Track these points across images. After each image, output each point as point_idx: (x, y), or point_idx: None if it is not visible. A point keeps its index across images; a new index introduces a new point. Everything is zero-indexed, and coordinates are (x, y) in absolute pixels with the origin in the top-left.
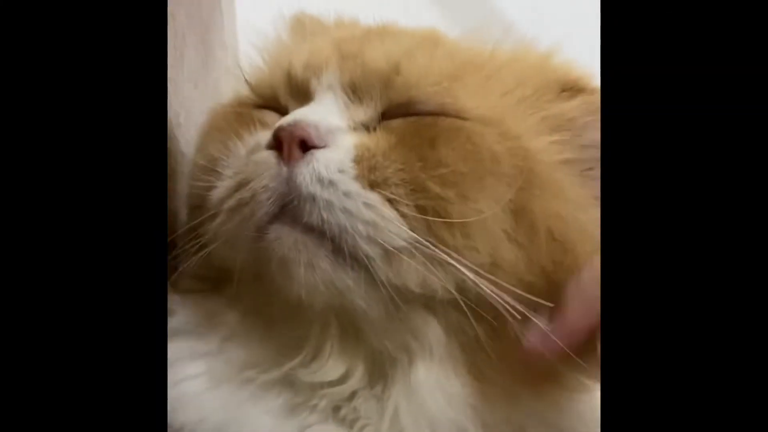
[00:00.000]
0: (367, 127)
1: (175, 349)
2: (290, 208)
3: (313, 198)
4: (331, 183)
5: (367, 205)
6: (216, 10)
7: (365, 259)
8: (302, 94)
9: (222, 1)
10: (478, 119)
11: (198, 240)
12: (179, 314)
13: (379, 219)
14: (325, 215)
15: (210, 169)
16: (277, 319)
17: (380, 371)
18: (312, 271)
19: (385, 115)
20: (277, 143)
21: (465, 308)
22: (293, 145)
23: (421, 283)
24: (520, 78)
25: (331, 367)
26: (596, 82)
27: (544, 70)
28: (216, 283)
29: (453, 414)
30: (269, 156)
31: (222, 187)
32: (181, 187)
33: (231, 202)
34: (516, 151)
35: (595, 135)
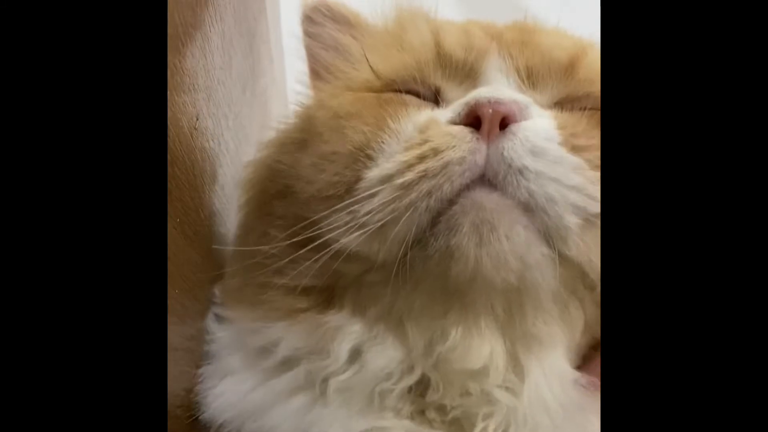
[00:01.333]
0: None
1: (289, 379)
2: (490, 182)
3: (522, 171)
4: (543, 151)
5: (575, 169)
6: (262, 21)
7: (564, 231)
8: (465, 76)
9: (268, 12)
10: None
11: (326, 237)
12: (288, 340)
13: (587, 182)
14: (534, 187)
15: (356, 154)
16: (414, 315)
17: (516, 361)
18: (507, 242)
19: (560, 104)
20: (474, 120)
21: None
22: (496, 121)
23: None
24: None
25: (476, 355)
26: None
27: None
28: (328, 295)
29: (573, 396)
30: (462, 130)
31: (389, 164)
32: (229, 189)
33: (408, 176)
34: None
35: None
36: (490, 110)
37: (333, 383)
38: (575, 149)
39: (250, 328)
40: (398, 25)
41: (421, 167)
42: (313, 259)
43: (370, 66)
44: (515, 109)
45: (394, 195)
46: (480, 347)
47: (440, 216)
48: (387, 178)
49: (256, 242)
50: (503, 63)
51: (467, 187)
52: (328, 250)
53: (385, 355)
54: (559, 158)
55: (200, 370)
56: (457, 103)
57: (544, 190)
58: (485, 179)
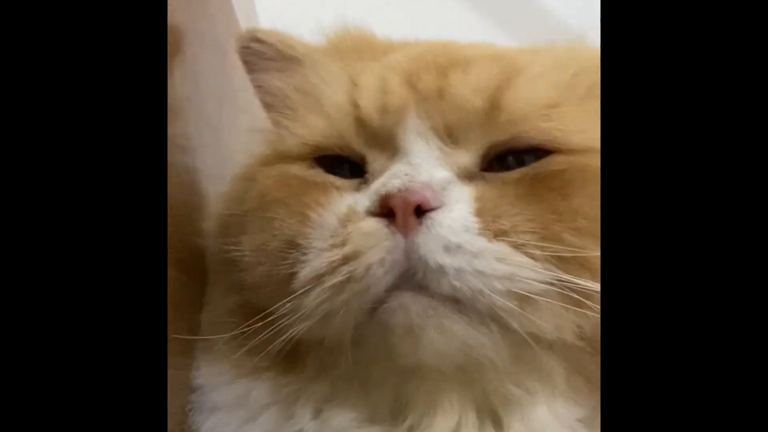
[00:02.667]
0: (472, 173)
1: (264, 425)
2: (413, 278)
3: (441, 269)
4: (459, 246)
5: (499, 259)
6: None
7: (501, 314)
8: (385, 143)
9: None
10: (589, 149)
11: (278, 324)
12: (257, 395)
13: (515, 269)
14: (456, 284)
15: (285, 249)
16: (375, 383)
17: (493, 416)
18: (443, 335)
19: (488, 155)
20: (388, 211)
21: (591, 344)
22: (408, 213)
23: (556, 326)
24: (595, 82)
25: (442, 421)
26: None
27: (593, 62)
28: (293, 356)
29: None
30: (378, 225)
31: (317, 263)
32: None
33: (337, 278)
34: None
35: None
36: (401, 201)
37: None
38: (498, 234)
39: (221, 379)
40: (317, 75)
41: (347, 269)
42: (269, 335)
43: (292, 134)
44: (428, 196)
45: (327, 295)
46: (445, 416)
47: (376, 309)
48: (318, 278)
49: (221, 296)
50: (421, 124)
51: (394, 286)
52: (281, 332)
53: (346, 416)
54: (478, 251)
55: (191, 397)
56: (373, 190)
57: (468, 285)
58: (410, 275)
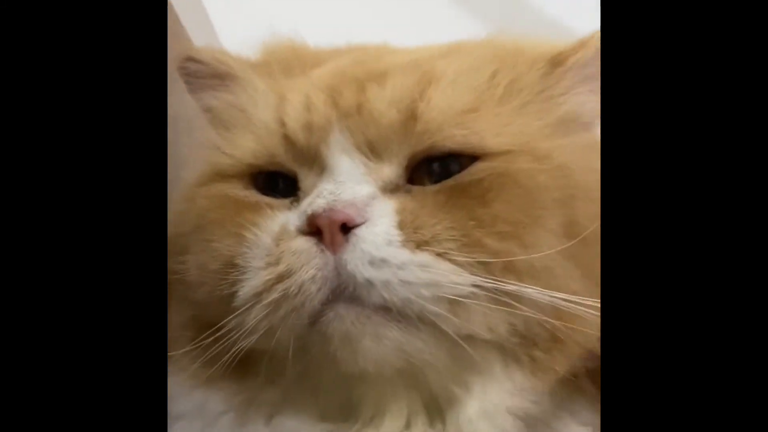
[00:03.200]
0: (396, 185)
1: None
2: (345, 292)
3: (369, 282)
4: (383, 260)
5: (422, 268)
6: None
7: (433, 318)
8: (313, 161)
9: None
10: (508, 152)
11: (226, 338)
12: (213, 403)
13: (438, 276)
14: (386, 295)
15: (225, 269)
16: (324, 389)
17: (438, 410)
18: (379, 343)
19: (411, 165)
20: (316, 230)
21: (521, 338)
22: (334, 231)
23: (488, 326)
24: (515, 78)
25: (392, 422)
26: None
27: (526, 58)
28: (245, 366)
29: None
30: (308, 244)
31: (255, 282)
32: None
33: (273, 296)
34: (556, 172)
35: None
36: (327, 220)
37: None
38: (420, 244)
39: (180, 389)
40: (246, 93)
41: (282, 287)
42: (219, 349)
43: (225, 153)
44: (352, 213)
45: (266, 312)
46: (393, 417)
47: (315, 321)
48: (256, 296)
49: (176, 311)
50: (344, 141)
51: (329, 299)
52: (230, 346)
53: (297, 420)
54: (402, 263)
55: None
56: (302, 209)
57: (397, 295)
58: (342, 289)
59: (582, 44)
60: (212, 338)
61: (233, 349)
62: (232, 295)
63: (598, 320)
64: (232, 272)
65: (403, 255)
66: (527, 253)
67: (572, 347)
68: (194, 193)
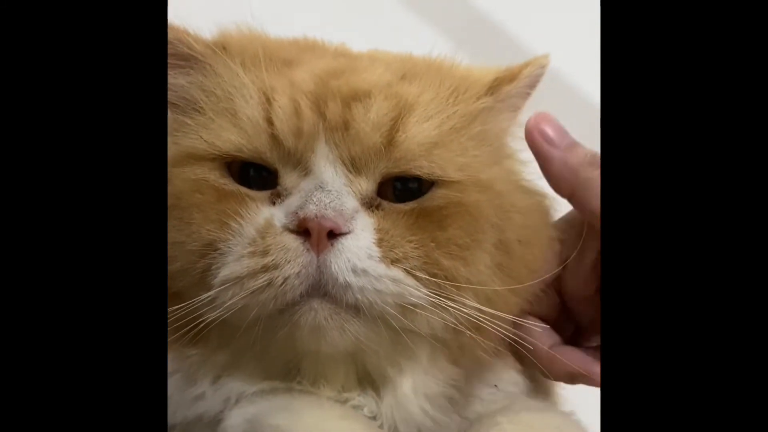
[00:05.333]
0: (371, 201)
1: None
2: (322, 288)
3: (348, 285)
4: (364, 271)
5: (394, 282)
6: None
7: (388, 317)
8: (297, 163)
9: None
10: (460, 181)
11: (191, 310)
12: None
13: (403, 289)
14: (359, 297)
15: (203, 249)
16: (271, 357)
17: (371, 383)
18: (343, 334)
19: (383, 183)
20: (304, 230)
21: (452, 330)
22: (322, 236)
23: (428, 325)
24: (466, 109)
25: (328, 387)
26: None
27: (474, 87)
28: (199, 333)
29: (435, 411)
30: (296, 242)
31: (237, 267)
32: None
33: (258, 283)
34: (494, 200)
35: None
36: (317, 225)
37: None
38: (394, 261)
39: None
40: (227, 82)
41: (266, 277)
42: (181, 316)
43: (204, 139)
44: (340, 223)
45: (246, 294)
46: (330, 382)
47: (286, 309)
48: (237, 279)
49: None
50: (330, 152)
51: (306, 293)
52: (195, 319)
53: (242, 380)
54: (379, 276)
55: None
56: (289, 210)
57: (367, 299)
58: (320, 285)
59: (512, 74)
60: (176, 308)
61: (197, 322)
62: (206, 273)
63: (514, 309)
64: (211, 254)
65: (381, 269)
66: (469, 271)
67: (492, 333)
68: (169, 173)
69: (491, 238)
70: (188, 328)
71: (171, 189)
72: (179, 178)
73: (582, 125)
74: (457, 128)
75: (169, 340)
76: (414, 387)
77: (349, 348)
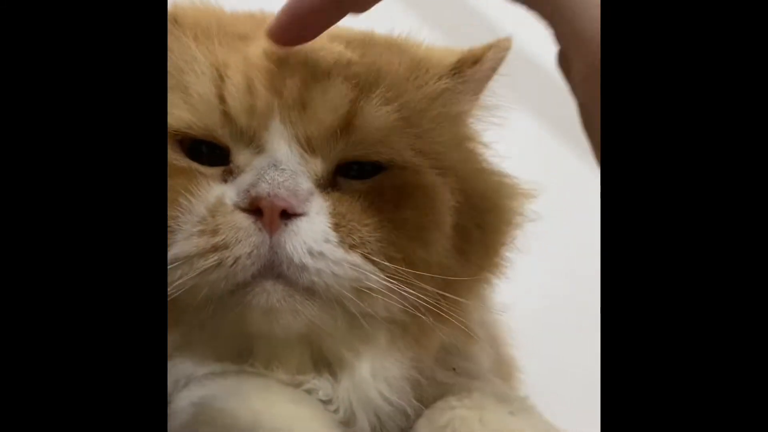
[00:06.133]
0: (326, 183)
1: None
2: (275, 269)
3: (304, 266)
4: (321, 254)
5: (352, 266)
6: None
7: (344, 301)
8: (250, 140)
9: None
10: (420, 165)
11: None
12: None
13: (362, 274)
14: (315, 279)
15: None
16: (223, 338)
17: (328, 368)
18: (297, 317)
19: (338, 164)
20: (257, 209)
21: (410, 314)
22: (275, 215)
23: (386, 308)
24: (428, 90)
25: (282, 369)
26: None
27: (435, 68)
28: None
29: (393, 395)
30: (247, 222)
31: (186, 245)
32: None
33: (208, 262)
34: (453, 183)
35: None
36: (270, 204)
37: None
38: (353, 246)
39: None
40: (178, 55)
41: (216, 257)
42: None
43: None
44: (294, 204)
45: (195, 274)
46: (283, 365)
47: (237, 290)
48: (186, 259)
49: None
50: (285, 131)
51: (259, 274)
52: None
53: (194, 360)
54: (337, 260)
55: None
56: (241, 188)
57: (324, 282)
58: (273, 266)
59: (476, 57)
60: None
61: None
62: None
63: (476, 293)
64: None
65: (339, 253)
66: (427, 252)
67: (451, 321)
68: None
69: (450, 221)
70: None
71: None
72: None
73: (561, 107)
74: (418, 110)
75: None
76: (373, 370)
77: (302, 331)
